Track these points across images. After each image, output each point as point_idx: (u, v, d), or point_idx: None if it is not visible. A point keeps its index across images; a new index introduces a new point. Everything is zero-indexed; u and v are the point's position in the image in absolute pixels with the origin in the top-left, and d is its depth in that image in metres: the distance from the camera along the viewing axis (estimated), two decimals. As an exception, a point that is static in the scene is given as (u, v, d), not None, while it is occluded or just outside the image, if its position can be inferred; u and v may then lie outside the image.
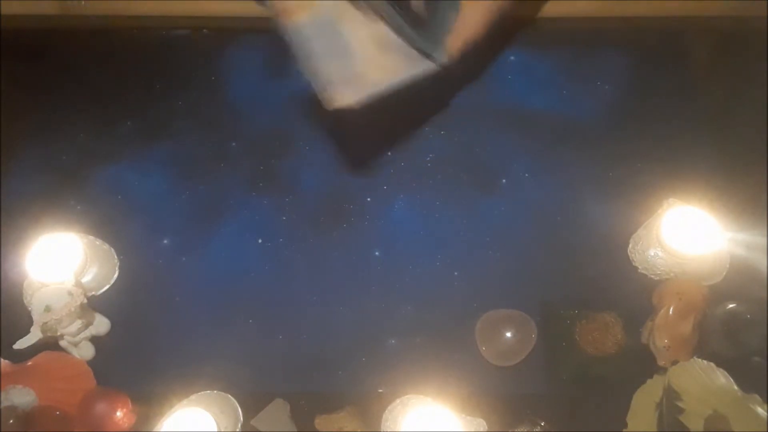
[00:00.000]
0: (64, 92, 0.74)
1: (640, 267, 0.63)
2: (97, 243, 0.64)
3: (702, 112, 0.72)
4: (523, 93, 0.73)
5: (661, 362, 0.58)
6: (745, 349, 0.59)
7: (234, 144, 0.71)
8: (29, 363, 0.59)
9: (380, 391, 0.59)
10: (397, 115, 0.72)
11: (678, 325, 0.58)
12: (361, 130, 0.71)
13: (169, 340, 0.62)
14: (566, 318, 0.61)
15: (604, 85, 0.73)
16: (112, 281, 0.64)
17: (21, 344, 0.57)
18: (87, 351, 0.60)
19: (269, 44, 0.76)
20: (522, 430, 0.57)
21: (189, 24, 0.77)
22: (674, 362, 0.58)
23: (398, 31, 0.60)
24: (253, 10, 0.75)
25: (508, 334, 0.60)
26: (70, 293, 0.57)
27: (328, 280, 0.64)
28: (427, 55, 0.61)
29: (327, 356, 0.61)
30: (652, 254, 0.62)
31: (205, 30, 0.77)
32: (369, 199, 0.68)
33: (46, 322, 0.56)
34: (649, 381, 0.58)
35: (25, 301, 0.61)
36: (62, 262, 0.60)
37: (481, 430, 0.56)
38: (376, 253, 0.65)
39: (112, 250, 0.65)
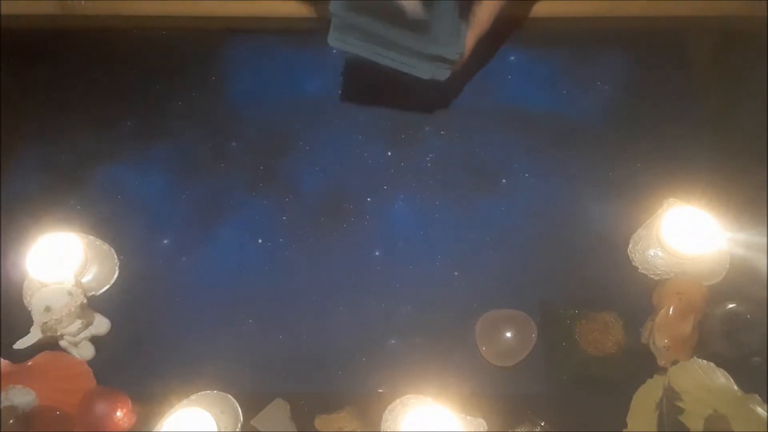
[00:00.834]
0: (64, 92, 0.74)
1: (640, 267, 0.63)
2: (97, 243, 0.64)
3: (702, 112, 0.72)
4: (523, 93, 0.73)
5: (661, 362, 0.58)
6: (745, 349, 0.59)
7: (234, 144, 0.71)
8: (29, 363, 0.59)
9: (380, 391, 0.59)
10: (398, 115, 0.72)
11: (678, 325, 0.58)
12: (361, 129, 0.71)
13: (169, 340, 0.62)
14: (566, 318, 0.61)
15: (604, 85, 0.73)
16: (112, 281, 0.64)
17: (21, 344, 0.57)
18: (87, 351, 0.60)
19: (269, 44, 0.76)
20: (522, 430, 0.57)
21: (189, 24, 0.77)
22: (674, 362, 0.58)
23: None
24: (254, 10, 0.76)
25: (508, 334, 0.60)
26: (70, 293, 0.57)
27: (328, 280, 0.64)
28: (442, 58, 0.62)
29: (327, 356, 0.61)
30: (652, 254, 0.62)
31: (205, 30, 0.77)
32: (369, 199, 0.68)
33: (46, 322, 0.57)
34: (649, 381, 0.58)
35: (25, 301, 0.61)
36: (62, 262, 0.60)
37: (481, 430, 0.56)
38: (376, 253, 0.65)
39: (112, 250, 0.65)
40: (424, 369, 0.60)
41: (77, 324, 0.58)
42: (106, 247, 0.65)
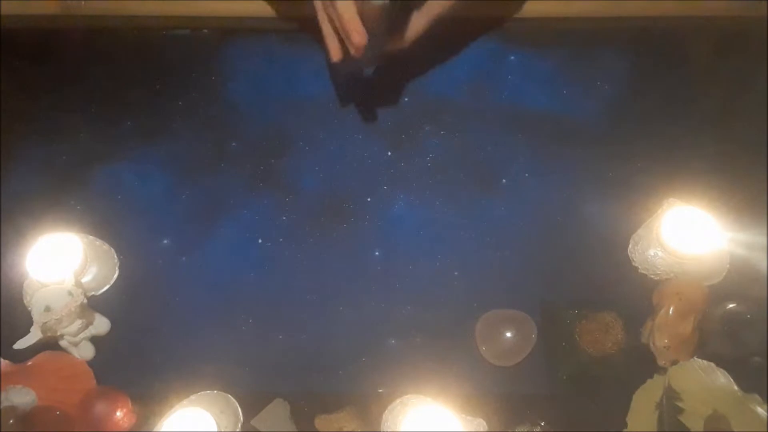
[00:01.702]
0: (64, 92, 0.74)
1: (640, 267, 0.63)
2: (97, 243, 0.64)
3: (702, 112, 0.72)
4: (523, 93, 0.73)
5: (661, 362, 0.58)
6: (745, 349, 0.59)
7: (234, 144, 0.71)
8: (29, 363, 0.59)
9: (380, 391, 0.59)
10: (398, 115, 0.72)
11: (678, 325, 0.58)
12: (361, 129, 0.71)
13: (169, 340, 0.62)
14: (566, 318, 0.61)
15: (604, 85, 0.73)
16: (112, 281, 0.64)
17: (21, 344, 0.57)
18: (87, 351, 0.60)
19: (269, 44, 0.76)
20: (522, 430, 0.57)
21: (189, 24, 0.77)
22: (674, 362, 0.58)
23: None
24: (254, 10, 0.75)
25: (508, 334, 0.60)
26: (70, 293, 0.57)
27: (328, 280, 0.64)
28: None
29: (327, 356, 0.61)
30: (652, 254, 0.62)
31: (205, 30, 0.77)
32: (369, 199, 0.68)
33: (46, 322, 0.56)
34: (649, 381, 0.58)
35: (25, 301, 0.61)
36: (62, 262, 0.60)
37: (481, 430, 0.56)
38: (376, 253, 0.65)
39: (112, 250, 0.65)
40: (424, 369, 0.60)
41: (77, 324, 0.58)
42: (106, 247, 0.65)
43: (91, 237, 0.64)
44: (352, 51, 0.59)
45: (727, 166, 0.68)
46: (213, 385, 0.59)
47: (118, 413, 0.56)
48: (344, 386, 0.60)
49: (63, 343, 0.59)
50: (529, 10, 0.74)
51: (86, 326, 0.59)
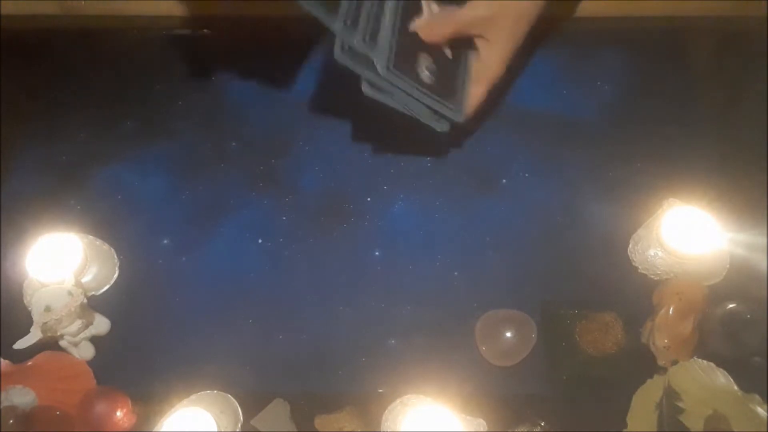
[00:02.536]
0: (64, 92, 0.74)
1: (640, 267, 0.63)
2: (97, 243, 0.64)
3: (702, 112, 0.72)
4: (523, 93, 0.73)
5: (661, 362, 0.58)
6: (745, 349, 0.59)
7: (234, 144, 0.71)
8: (29, 363, 0.59)
9: (380, 391, 0.59)
10: (398, 115, 0.72)
11: (678, 325, 0.58)
12: (361, 129, 0.71)
13: (169, 340, 0.62)
14: (566, 318, 0.61)
15: (604, 85, 0.73)
16: (112, 281, 0.64)
17: (21, 344, 0.57)
18: (87, 351, 0.60)
19: (269, 44, 0.76)
20: (522, 430, 0.57)
21: (189, 24, 0.77)
22: (674, 362, 0.58)
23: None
24: (254, 10, 0.75)
25: (508, 334, 0.60)
26: (70, 293, 0.57)
27: (328, 280, 0.64)
28: (444, 117, 0.63)
29: (327, 356, 0.61)
30: (652, 254, 0.62)
31: (205, 30, 0.77)
32: (369, 199, 0.68)
33: (46, 322, 0.56)
34: (649, 381, 0.58)
35: (25, 301, 0.61)
36: (62, 262, 0.60)
37: (481, 430, 0.56)
38: (376, 253, 0.65)
39: (112, 250, 0.65)
40: (424, 369, 0.60)
41: (77, 324, 0.58)
42: (106, 247, 0.65)
43: (91, 237, 0.64)
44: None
45: (727, 166, 0.68)
46: (213, 385, 0.59)
47: (118, 413, 0.56)
48: (344, 386, 0.60)
49: (63, 343, 0.59)
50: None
51: (86, 326, 0.59)
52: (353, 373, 0.60)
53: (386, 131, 0.71)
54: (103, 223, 0.66)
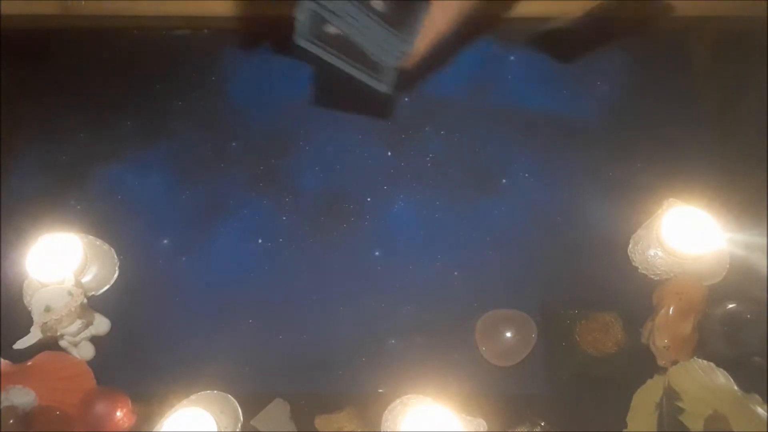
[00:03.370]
0: (64, 92, 0.74)
1: (640, 267, 0.63)
2: (97, 243, 0.64)
3: (702, 112, 0.72)
4: (523, 93, 0.73)
5: (661, 362, 0.58)
6: (745, 349, 0.59)
7: (234, 144, 0.71)
8: (29, 363, 0.59)
9: (380, 391, 0.59)
10: (398, 115, 0.72)
11: (678, 325, 0.58)
12: (361, 129, 0.71)
13: (169, 340, 0.62)
14: (566, 318, 0.61)
15: (604, 85, 0.73)
16: (112, 281, 0.64)
17: (21, 344, 0.57)
18: (87, 351, 0.60)
19: (269, 45, 0.76)
20: (522, 430, 0.57)
21: (189, 24, 0.77)
22: (674, 362, 0.58)
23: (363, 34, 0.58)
24: (254, 10, 0.75)
25: (508, 334, 0.60)
26: (70, 293, 0.57)
27: (328, 280, 0.64)
28: (375, 77, 0.61)
29: (327, 356, 0.61)
30: (652, 254, 0.62)
31: (205, 30, 0.77)
32: (369, 199, 0.68)
33: (46, 322, 0.56)
34: (649, 381, 0.58)
35: (25, 301, 0.61)
36: (62, 262, 0.60)
37: (481, 430, 0.56)
38: (376, 253, 0.65)
39: (112, 250, 0.65)
40: (424, 369, 0.60)
41: (77, 324, 0.58)
42: (106, 247, 0.65)
43: (91, 237, 0.64)
44: None
45: (727, 166, 0.68)
46: (213, 385, 0.59)
47: (118, 413, 0.56)
48: (344, 386, 0.60)
49: (63, 343, 0.59)
50: (530, 10, 0.74)
51: (86, 326, 0.59)
52: (353, 373, 0.60)
53: (386, 131, 0.71)
54: (103, 223, 0.66)
